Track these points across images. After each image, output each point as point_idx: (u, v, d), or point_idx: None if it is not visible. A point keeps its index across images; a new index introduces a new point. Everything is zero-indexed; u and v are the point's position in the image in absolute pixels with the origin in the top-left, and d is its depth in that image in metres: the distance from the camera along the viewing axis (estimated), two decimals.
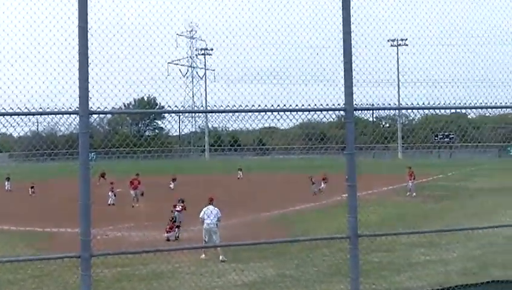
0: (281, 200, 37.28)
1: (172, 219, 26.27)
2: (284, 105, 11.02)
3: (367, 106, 12.13)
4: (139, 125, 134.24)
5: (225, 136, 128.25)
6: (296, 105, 11.10)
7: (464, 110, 13.17)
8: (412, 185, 42.51)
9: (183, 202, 28.42)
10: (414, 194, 41.47)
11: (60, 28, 9.80)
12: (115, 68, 10.30)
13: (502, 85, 13.14)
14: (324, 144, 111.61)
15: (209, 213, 21.83)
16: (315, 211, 34.61)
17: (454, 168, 65.30)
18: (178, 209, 27.80)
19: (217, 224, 21.79)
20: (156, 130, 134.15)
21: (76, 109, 9.69)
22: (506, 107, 12.89)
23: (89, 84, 9.69)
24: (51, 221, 28.94)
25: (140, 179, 41.49)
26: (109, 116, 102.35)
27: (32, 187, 49.42)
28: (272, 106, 11.00)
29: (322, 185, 45.58)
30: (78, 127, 9.79)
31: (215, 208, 22.30)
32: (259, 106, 10.95)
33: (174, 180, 52.59)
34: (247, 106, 10.90)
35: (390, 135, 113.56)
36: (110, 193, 40.53)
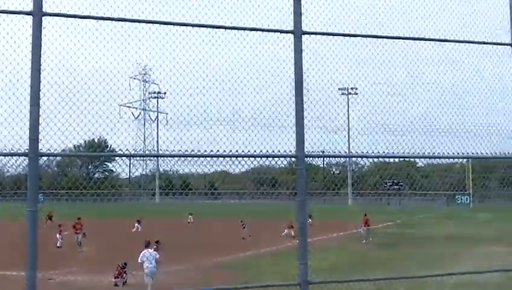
0: (232, 245, 37.07)
1: (121, 264, 25.80)
2: (236, 151, 11.10)
3: (318, 153, 12.31)
4: (89, 168, 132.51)
5: (176, 179, 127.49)
6: (248, 151, 11.19)
7: (412, 159, 13.43)
8: (364, 231, 42.39)
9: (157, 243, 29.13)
10: (364, 241, 41.35)
11: (12, 70, 9.74)
12: (66, 110, 10.24)
13: (450, 135, 13.48)
14: (276, 189, 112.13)
15: (148, 256, 22.48)
16: (267, 257, 34.44)
17: (404, 216, 65.99)
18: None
19: (156, 266, 22.40)
20: (106, 173, 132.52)
21: (26, 151, 9.58)
22: (453, 157, 13.22)
23: (39, 126, 9.61)
24: None
25: (83, 223, 40.26)
26: (58, 157, 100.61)
27: None
28: (224, 151, 11.06)
29: (287, 231, 45.17)
30: (27, 168, 9.68)
31: (153, 251, 23.07)
32: (211, 151, 11.02)
33: (139, 222, 52.68)
34: (199, 150, 10.95)
35: (340, 181, 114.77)
36: (58, 235, 39.60)
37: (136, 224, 51.95)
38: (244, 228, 44.75)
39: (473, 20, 13.21)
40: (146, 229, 48.20)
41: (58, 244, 38.76)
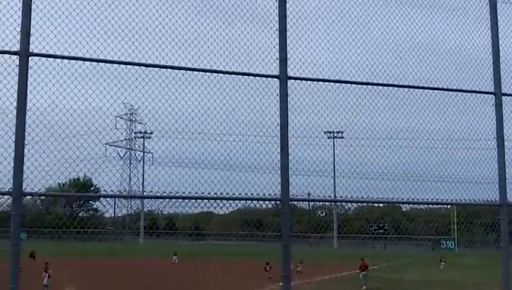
0: (220, 287, 36.74)
1: None
2: (221, 193, 11.09)
3: (303, 197, 12.34)
4: (73, 206, 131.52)
5: (161, 219, 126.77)
6: (233, 193, 11.18)
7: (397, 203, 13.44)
8: (363, 276, 40.58)
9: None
10: (364, 287, 39.48)
11: None
12: (51, 150, 10.21)
13: (434, 181, 13.55)
14: (261, 231, 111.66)
15: None
16: None
17: (388, 260, 65.79)
18: None
19: None
20: (90, 212, 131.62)
21: (10, 190, 9.55)
22: (437, 204, 13.26)
23: (24, 165, 9.60)
24: None
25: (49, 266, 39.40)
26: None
27: None
28: (209, 193, 11.05)
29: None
30: (9, 206, 9.66)
31: None
32: (196, 193, 10.99)
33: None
34: (184, 192, 10.92)
35: (326, 224, 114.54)
36: (44, 274, 38.68)
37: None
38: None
39: (458, 68, 13.40)
40: (130, 269, 47.67)
41: (44, 283, 37.93)
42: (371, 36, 12.73)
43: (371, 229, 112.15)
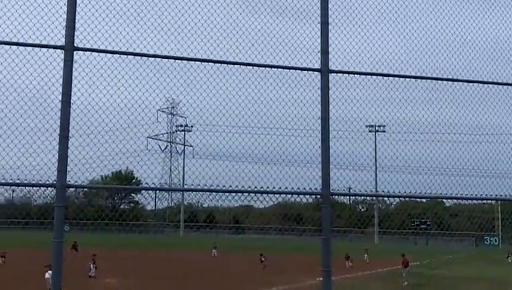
0: (258, 280, 36.81)
1: None
2: (261, 187, 11.10)
3: (344, 191, 12.25)
4: (115, 199, 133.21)
5: (201, 212, 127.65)
6: (273, 187, 11.18)
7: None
8: (405, 273, 40.04)
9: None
10: (406, 283, 38.96)
11: (43, 102, 9.90)
12: (94, 143, 10.37)
13: (477, 176, 13.32)
14: (301, 225, 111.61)
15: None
16: None
17: (431, 256, 65.05)
18: None
19: None
20: (131, 204, 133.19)
21: (54, 182, 9.69)
22: (482, 199, 13.03)
23: (68, 157, 9.74)
24: None
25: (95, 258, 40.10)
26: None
27: (3, 256, 47.96)
28: (249, 187, 11.06)
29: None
30: (53, 198, 9.81)
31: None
32: (236, 186, 11.01)
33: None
34: (224, 186, 10.96)
35: (367, 220, 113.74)
36: (91, 265, 39.30)
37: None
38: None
39: (502, 62, 13.14)
40: (171, 262, 48.06)
41: (90, 274, 38.49)
42: (414, 29, 12.57)
43: (413, 224, 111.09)
